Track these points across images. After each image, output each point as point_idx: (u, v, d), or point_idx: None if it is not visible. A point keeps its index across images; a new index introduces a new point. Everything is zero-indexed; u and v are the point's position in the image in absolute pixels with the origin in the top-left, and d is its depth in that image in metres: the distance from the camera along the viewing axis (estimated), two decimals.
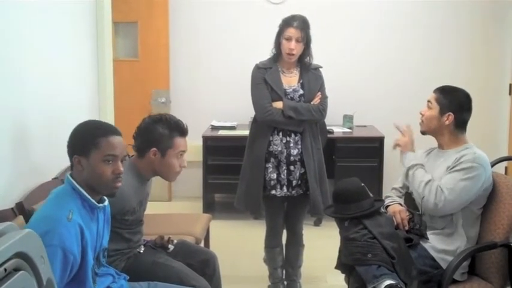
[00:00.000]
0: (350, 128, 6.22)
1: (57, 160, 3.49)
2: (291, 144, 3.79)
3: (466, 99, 3.15)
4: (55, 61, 3.63)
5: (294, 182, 3.81)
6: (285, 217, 4.03)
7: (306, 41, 3.74)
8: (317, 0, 6.33)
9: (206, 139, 5.94)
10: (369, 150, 5.90)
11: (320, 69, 3.90)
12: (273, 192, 3.82)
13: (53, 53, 3.60)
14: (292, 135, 3.79)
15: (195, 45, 6.59)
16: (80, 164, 2.45)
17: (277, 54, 3.82)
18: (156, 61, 6.49)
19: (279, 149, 3.78)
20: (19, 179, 3.13)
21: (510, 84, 6.37)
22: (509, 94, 6.39)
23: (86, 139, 2.45)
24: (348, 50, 6.47)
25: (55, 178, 3.47)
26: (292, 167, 3.80)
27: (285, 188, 3.81)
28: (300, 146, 3.80)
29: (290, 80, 3.82)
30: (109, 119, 4.48)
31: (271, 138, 3.80)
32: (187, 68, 6.62)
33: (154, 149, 2.97)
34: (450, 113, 3.09)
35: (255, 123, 3.91)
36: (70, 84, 3.90)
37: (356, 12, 6.48)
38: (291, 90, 3.78)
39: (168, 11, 6.43)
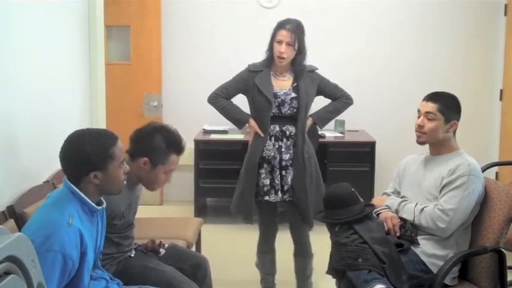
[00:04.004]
0: (342, 133, 6.24)
1: (48, 164, 3.48)
2: (283, 149, 3.78)
3: (458, 102, 3.17)
4: (47, 65, 3.62)
5: (286, 187, 3.79)
6: (289, 227, 3.99)
7: (299, 46, 3.71)
8: (310, 5, 6.35)
9: (198, 143, 5.94)
10: (360, 155, 5.92)
11: (316, 71, 3.88)
12: (266, 198, 3.80)
13: (45, 56, 3.59)
14: (284, 140, 3.79)
15: (188, 49, 6.59)
16: (97, 178, 2.45)
17: (270, 57, 3.79)
18: (148, 65, 6.49)
19: (272, 154, 3.78)
20: (10, 183, 3.11)
21: (501, 90, 6.41)
22: (500, 100, 6.43)
23: (101, 154, 2.44)
24: (340, 55, 6.48)
25: (46, 182, 3.46)
26: (284, 172, 3.79)
27: (279, 194, 3.79)
28: (291, 151, 3.79)
29: (282, 84, 3.79)
30: (101, 122, 4.47)
31: (265, 144, 3.79)
32: (179, 72, 6.61)
33: (146, 159, 2.94)
34: (455, 121, 3.10)
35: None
36: (62, 88, 3.89)
37: (349, 17, 6.50)
38: (282, 93, 3.75)
39: (160, 15, 6.43)
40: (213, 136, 6.10)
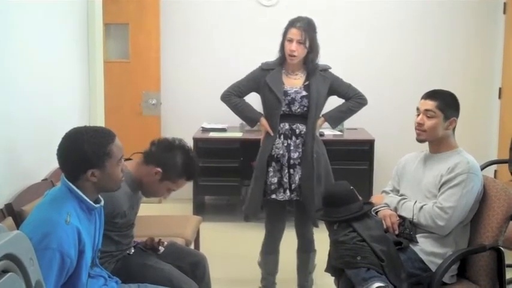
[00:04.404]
0: (340, 131, 6.23)
1: (46, 161, 3.48)
2: (291, 148, 3.76)
3: (456, 99, 3.17)
4: (45, 63, 3.61)
5: (293, 186, 3.77)
6: (294, 223, 3.98)
7: (310, 44, 3.70)
8: (309, 4, 6.33)
9: (197, 141, 5.93)
10: (359, 153, 5.92)
11: (330, 70, 3.86)
12: (273, 196, 3.78)
13: (43, 54, 3.59)
14: (293, 138, 3.76)
15: (186, 47, 6.59)
16: (94, 175, 2.44)
17: (282, 56, 3.77)
18: (147, 63, 6.49)
19: (281, 152, 3.75)
20: (8, 180, 3.11)
21: (500, 88, 6.41)
22: (499, 98, 6.43)
23: (98, 151, 2.42)
24: (340, 54, 6.46)
25: (44, 180, 3.46)
26: (292, 171, 3.77)
27: (287, 192, 3.77)
28: (300, 150, 3.76)
29: (294, 82, 3.77)
30: (99, 120, 4.47)
31: (274, 142, 3.77)
32: (177, 70, 6.61)
33: (160, 170, 2.95)
34: (454, 118, 3.11)
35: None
36: (60, 86, 3.89)
37: (349, 17, 6.50)
38: (292, 91, 3.72)
39: (159, 13, 6.43)
40: (212, 134, 6.10)
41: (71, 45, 4.11)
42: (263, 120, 3.83)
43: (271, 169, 3.78)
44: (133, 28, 6.48)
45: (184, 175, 3.01)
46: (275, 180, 3.77)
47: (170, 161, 2.98)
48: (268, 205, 3.87)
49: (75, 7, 4.17)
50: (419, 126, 3.13)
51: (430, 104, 3.10)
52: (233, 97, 3.89)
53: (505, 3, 6.32)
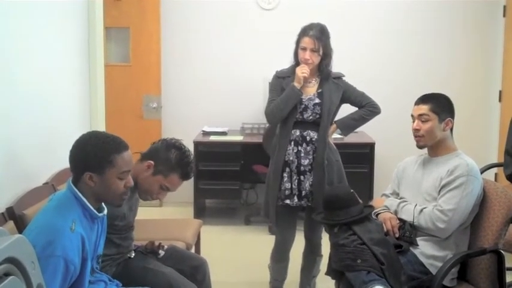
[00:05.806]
0: (341, 134, 6.22)
1: (48, 165, 3.48)
2: (302, 154, 3.74)
3: (449, 100, 3.19)
4: (46, 66, 3.62)
5: (304, 193, 3.76)
6: (304, 227, 3.97)
7: (324, 51, 3.71)
8: (309, 7, 6.34)
9: (197, 144, 5.94)
10: (359, 156, 5.91)
11: (343, 78, 3.86)
12: (287, 201, 3.77)
13: (44, 58, 3.59)
14: (304, 145, 3.74)
15: (187, 50, 6.60)
16: (92, 180, 2.43)
17: (297, 64, 3.76)
18: (148, 66, 6.50)
19: (291, 158, 3.75)
20: (10, 184, 3.11)
21: (500, 91, 6.41)
22: (499, 101, 6.43)
23: (101, 157, 2.42)
24: (339, 57, 6.47)
25: (46, 183, 3.46)
26: (302, 177, 3.76)
27: (296, 198, 3.76)
28: (311, 157, 3.75)
29: (307, 90, 3.75)
30: (100, 124, 4.47)
31: (287, 148, 3.76)
32: (178, 74, 6.62)
33: (152, 162, 2.97)
34: (449, 118, 3.12)
35: (278, 134, 3.87)
36: (61, 89, 3.89)
37: (348, 19, 6.50)
38: (306, 99, 3.72)
39: (159, 17, 6.44)
40: (212, 138, 6.10)
41: (71, 49, 4.11)
42: (295, 83, 3.69)
43: (285, 174, 3.77)
44: (134, 32, 6.49)
45: (176, 170, 3.00)
46: (288, 186, 3.77)
47: (162, 154, 2.99)
48: (281, 211, 3.83)
49: (76, 11, 4.18)
50: (416, 132, 3.15)
51: (423, 108, 3.13)
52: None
53: (504, 6, 6.33)
